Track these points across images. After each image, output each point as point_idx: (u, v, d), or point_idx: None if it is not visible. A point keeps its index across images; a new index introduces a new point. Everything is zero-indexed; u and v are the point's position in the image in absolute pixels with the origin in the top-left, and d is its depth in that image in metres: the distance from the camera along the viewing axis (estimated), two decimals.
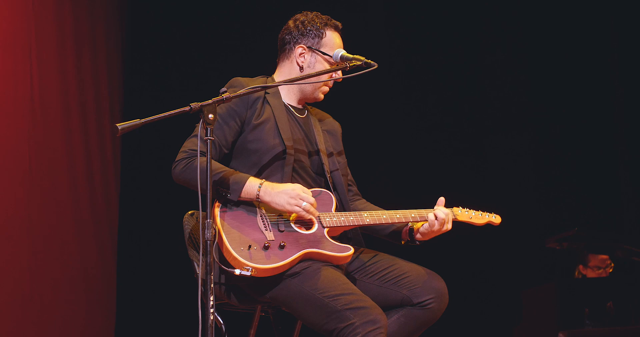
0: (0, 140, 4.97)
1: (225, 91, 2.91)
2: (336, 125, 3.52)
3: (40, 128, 5.25)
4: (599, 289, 5.42)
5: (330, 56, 3.28)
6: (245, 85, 3.17)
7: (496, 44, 6.75)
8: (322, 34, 3.30)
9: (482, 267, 6.33)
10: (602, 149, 6.69)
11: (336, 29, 3.35)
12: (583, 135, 6.68)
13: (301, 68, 3.32)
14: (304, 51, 3.31)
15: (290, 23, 3.36)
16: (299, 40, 3.32)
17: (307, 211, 3.04)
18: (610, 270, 6.11)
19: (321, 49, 3.29)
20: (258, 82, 3.28)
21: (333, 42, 3.31)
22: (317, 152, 3.33)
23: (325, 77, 3.29)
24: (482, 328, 6.26)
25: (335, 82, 3.37)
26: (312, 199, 3.05)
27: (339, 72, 3.29)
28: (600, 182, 6.69)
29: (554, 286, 5.43)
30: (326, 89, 3.37)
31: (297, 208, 3.02)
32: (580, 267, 6.19)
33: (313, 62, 3.31)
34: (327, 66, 3.29)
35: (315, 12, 3.35)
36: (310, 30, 3.30)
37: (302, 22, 3.32)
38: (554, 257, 6.24)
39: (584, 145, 6.69)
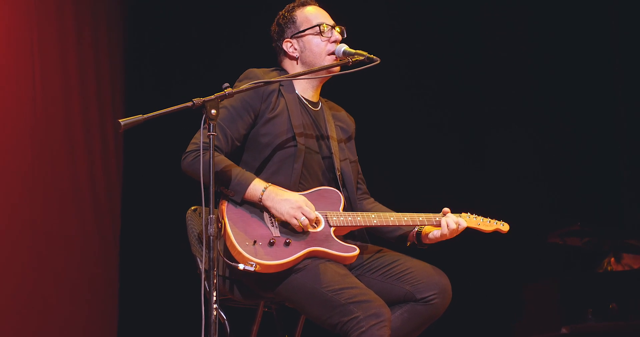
0: (2, 138, 4.98)
1: (228, 86, 2.91)
2: (350, 121, 3.51)
3: (43, 125, 5.25)
4: (602, 284, 5.41)
5: (311, 27, 3.31)
6: (261, 76, 3.20)
7: (498, 39, 6.74)
8: (294, 17, 3.35)
9: (485, 262, 6.32)
10: (603, 143, 6.68)
11: (304, 5, 3.39)
12: (585, 129, 6.67)
13: (297, 58, 3.35)
14: (290, 43, 3.35)
15: (271, 30, 3.43)
16: (282, 37, 3.36)
17: (303, 227, 3.03)
18: None
19: (300, 29, 3.33)
20: (273, 74, 3.29)
21: (305, 16, 3.35)
22: (328, 141, 3.31)
23: (324, 72, 3.30)
24: (485, 323, 6.26)
25: (336, 78, 3.38)
26: (313, 215, 3.03)
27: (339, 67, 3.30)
28: (602, 177, 6.68)
29: (556, 280, 5.42)
30: (331, 58, 3.31)
31: (294, 221, 3.02)
32: (612, 260, 6.10)
33: (302, 45, 3.34)
34: (316, 40, 3.31)
35: (285, 7, 3.41)
36: (284, 23, 3.36)
37: (277, 23, 3.40)
38: (556, 252, 6.24)
39: (585, 139, 6.68)
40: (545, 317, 5.40)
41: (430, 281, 3.13)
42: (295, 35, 3.34)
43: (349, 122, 3.50)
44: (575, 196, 6.61)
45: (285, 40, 3.35)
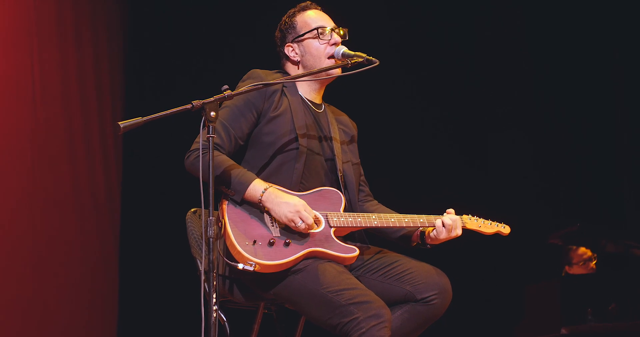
0: (2, 139, 4.98)
1: (227, 88, 2.91)
2: (352, 126, 3.52)
3: (42, 127, 5.26)
4: (602, 284, 5.41)
5: (310, 31, 3.32)
6: (264, 77, 3.22)
7: (498, 41, 6.75)
8: (294, 23, 3.37)
9: (485, 263, 6.33)
10: (603, 145, 6.69)
11: (304, 9, 3.40)
12: (585, 130, 6.68)
13: (298, 62, 3.36)
14: (291, 47, 3.37)
15: (275, 36, 3.44)
16: (284, 43, 3.38)
17: (302, 231, 3.03)
18: (595, 261, 6.09)
19: (300, 34, 3.35)
20: (276, 76, 3.30)
21: (304, 20, 3.37)
22: (331, 142, 3.32)
23: (323, 74, 3.30)
24: (485, 324, 6.27)
25: (337, 81, 3.38)
26: (311, 221, 3.03)
27: (339, 68, 3.30)
28: (603, 178, 6.69)
29: (556, 281, 5.43)
30: (331, 61, 3.31)
31: (292, 224, 3.02)
32: (567, 267, 6.18)
33: (303, 49, 3.35)
34: (316, 43, 3.32)
35: (287, 13, 3.43)
36: (286, 29, 3.38)
37: (279, 29, 3.42)
38: (556, 253, 6.24)
39: (585, 140, 6.69)
40: (545, 317, 5.40)
41: (430, 281, 3.13)
42: (296, 40, 3.35)
43: (351, 127, 3.52)
44: (576, 197, 6.62)
45: (287, 45, 3.37)
